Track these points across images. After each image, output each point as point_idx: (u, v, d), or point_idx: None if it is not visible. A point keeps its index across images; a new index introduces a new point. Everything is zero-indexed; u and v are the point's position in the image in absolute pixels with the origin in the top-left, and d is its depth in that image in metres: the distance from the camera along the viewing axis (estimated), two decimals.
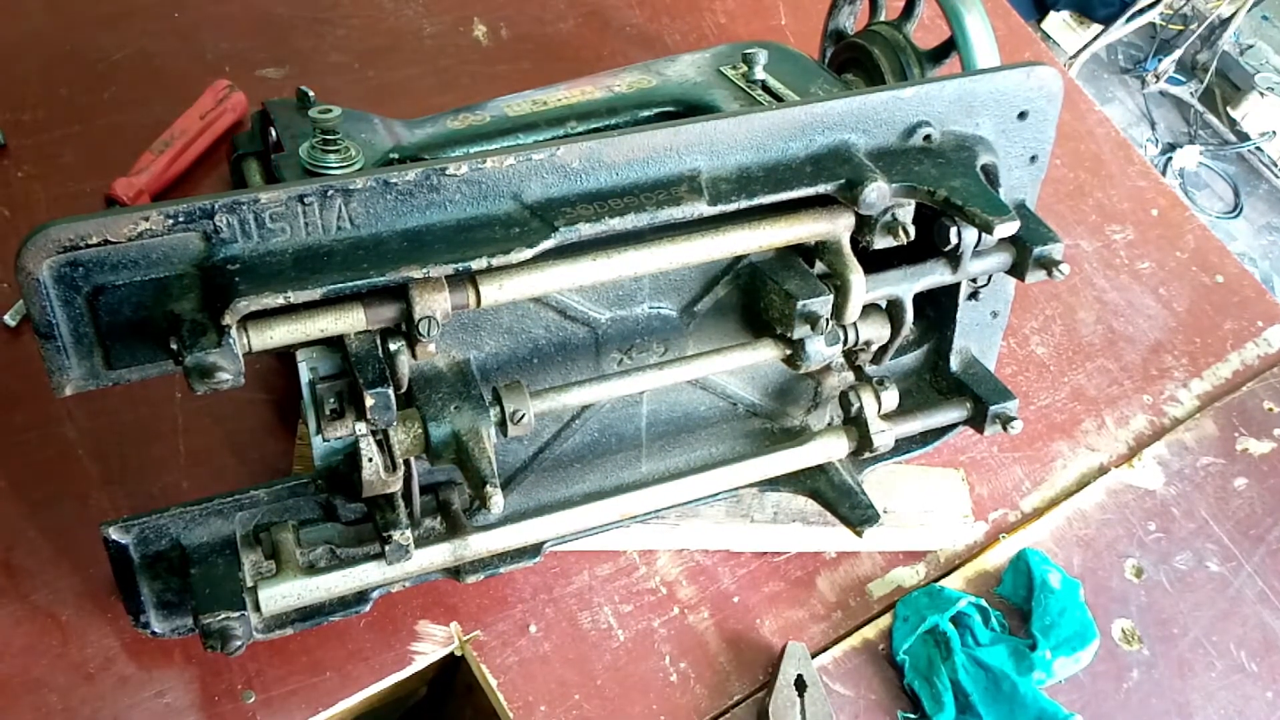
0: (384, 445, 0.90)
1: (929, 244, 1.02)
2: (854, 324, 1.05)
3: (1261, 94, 4.22)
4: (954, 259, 1.04)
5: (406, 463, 0.92)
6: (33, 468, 1.14)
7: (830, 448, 1.11)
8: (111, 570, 0.95)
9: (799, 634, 1.18)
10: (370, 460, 0.87)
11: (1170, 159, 4.23)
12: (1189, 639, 1.25)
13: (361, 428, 0.87)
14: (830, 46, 1.47)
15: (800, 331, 0.99)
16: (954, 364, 1.16)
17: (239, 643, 0.91)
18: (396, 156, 1.10)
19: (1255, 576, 1.31)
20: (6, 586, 1.07)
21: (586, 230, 0.87)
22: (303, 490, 0.99)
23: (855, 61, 1.38)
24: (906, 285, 1.04)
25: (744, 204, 0.92)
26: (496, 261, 0.84)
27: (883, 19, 1.37)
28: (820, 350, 1.02)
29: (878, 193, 0.93)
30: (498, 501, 0.86)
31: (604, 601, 1.16)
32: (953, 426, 1.17)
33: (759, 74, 1.22)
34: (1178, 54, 4.35)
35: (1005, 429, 1.12)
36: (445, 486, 1.05)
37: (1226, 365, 1.51)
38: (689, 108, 1.20)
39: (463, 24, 1.66)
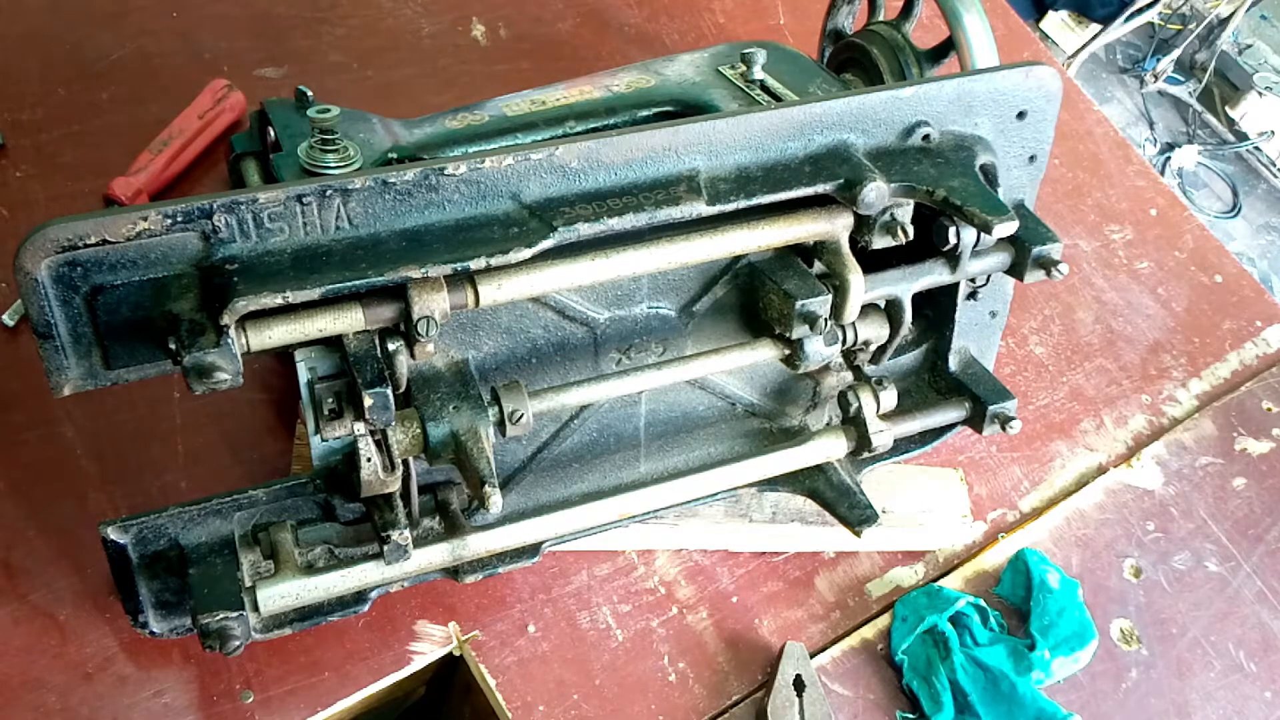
0: (382, 445, 0.90)
1: (928, 244, 1.02)
2: (853, 324, 1.04)
3: (1260, 93, 4.22)
4: (953, 259, 1.03)
5: (405, 463, 0.92)
6: (31, 468, 1.13)
7: (829, 447, 1.11)
8: (110, 570, 0.95)
9: (797, 634, 1.18)
10: (369, 460, 0.87)
11: (1169, 159, 4.23)
12: (1187, 639, 1.25)
13: (360, 428, 0.87)
14: (829, 46, 1.47)
15: (799, 331, 0.99)
16: (953, 364, 1.16)
17: (237, 643, 0.91)
18: (395, 156, 1.10)
19: (1254, 576, 1.31)
20: (5, 586, 1.07)
21: (585, 230, 0.87)
22: (301, 490, 0.98)
23: (854, 61, 1.38)
24: (905, 285, 1.04)
25: (742, 204, 0.92)
26: (495, 261, 0.84)
27: (881, 19, 1.37)
28: (819, 350, 1.02)
29: (876, 192, 0.93)
30: (496, 501, 0.86)
31: (602, 601, 1.16)
32: (951, 426, 1.17)
33: (757, 74, 1.22)
34: (1176, 54, 4.36)
35: (1004, 429, 1.12)
36: (444, 486, 1.05)
37: (1225, 365, 1.51)
38: (687, 107, 1.20)
39: (461, 24, 1.66)
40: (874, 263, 1.02)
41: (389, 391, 0.84)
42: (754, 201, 0.92)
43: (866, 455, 1.11)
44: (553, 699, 1.09)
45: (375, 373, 0.84)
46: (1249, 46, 4.32)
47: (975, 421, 1.14)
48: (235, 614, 0.91)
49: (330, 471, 0.97)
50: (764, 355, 1.04)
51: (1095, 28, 4.17)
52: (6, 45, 1.49)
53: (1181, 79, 4.42)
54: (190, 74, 1.49)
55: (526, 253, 0.85)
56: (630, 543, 1.19)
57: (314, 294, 0.80)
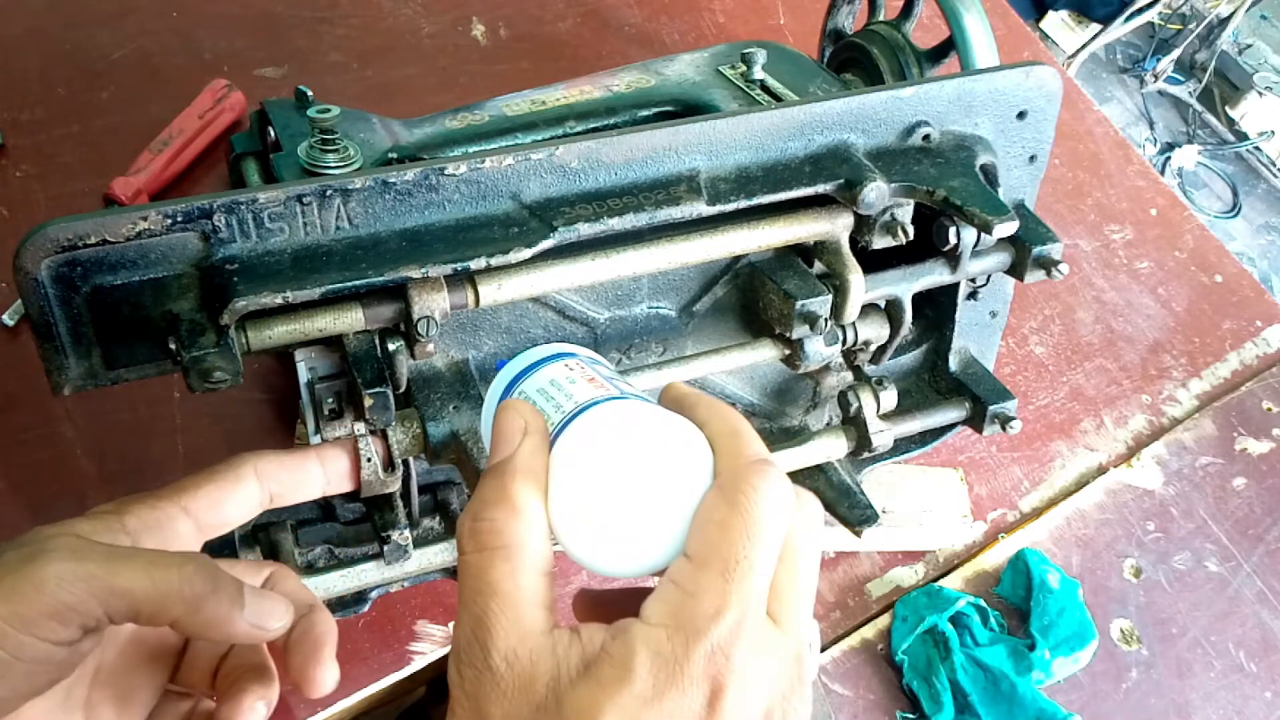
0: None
1: (928, 244, 1.02)
2: (853, 324, 1.04)
3: (1260, 93, 4.23)
4: (953, 259, 1.03)
5: (405, 463, 0.92)
6: (31, 467, 1.13)
7: (829, 447, 1.11)
8: None
9: None
10: (369, 460, 0.87)
11: (1169, 158, 4.24)
12: (1188, 639, 1.25)
13: (360, 428, 0.87)
14: (829, 46, 1.47)
15: (799, 331, 0.99)
16: (953, 364, 1.16)
17: None
18: (395, 156, 1.10)
19: (1254, 576, 1.31)
20: None
21: (585, 230, 0.86)
22: None
23: (854, 61, 1.38)
24: (905, 285, 1.04)
25: (743, 204, 0.92)
26: (495, 261, 0.84)
27: (881, 18, 1.37)
28: (819, 350, 1.02)
29: (877, 192, 0.93)
30: None
31: None
32: (952, 426, 1.17)
33: (758, 73, 1.22)
34: (1176, 53, 4.36)
35: (1004, 429, 1.12)
36: (444, 486, 1.05)
37: (1225, 365, 1.51)
38: (688, 107, 1.20)
39: (461, 23, 1.66)
40: (874, 263, 1.02)
41: (389, 391, 0.84)
42: (754, 201, 0.92)
43: (866, 455, 1.11)
44: None
45: (375, 373, 0.84)
46: (1249, 46, 4.32)
47: (975, 421, 1.13)
48: None
49: None
50: (764, 355, 1.04)
51: (1095, 28, 4.17)
52: (6, 45, 1.49)
53: (1181, 79, 4.43)
54: (190, 74, 1.49)
55: (527, 253, 0.85)
56: None
57: (314, 294, 0.80)
